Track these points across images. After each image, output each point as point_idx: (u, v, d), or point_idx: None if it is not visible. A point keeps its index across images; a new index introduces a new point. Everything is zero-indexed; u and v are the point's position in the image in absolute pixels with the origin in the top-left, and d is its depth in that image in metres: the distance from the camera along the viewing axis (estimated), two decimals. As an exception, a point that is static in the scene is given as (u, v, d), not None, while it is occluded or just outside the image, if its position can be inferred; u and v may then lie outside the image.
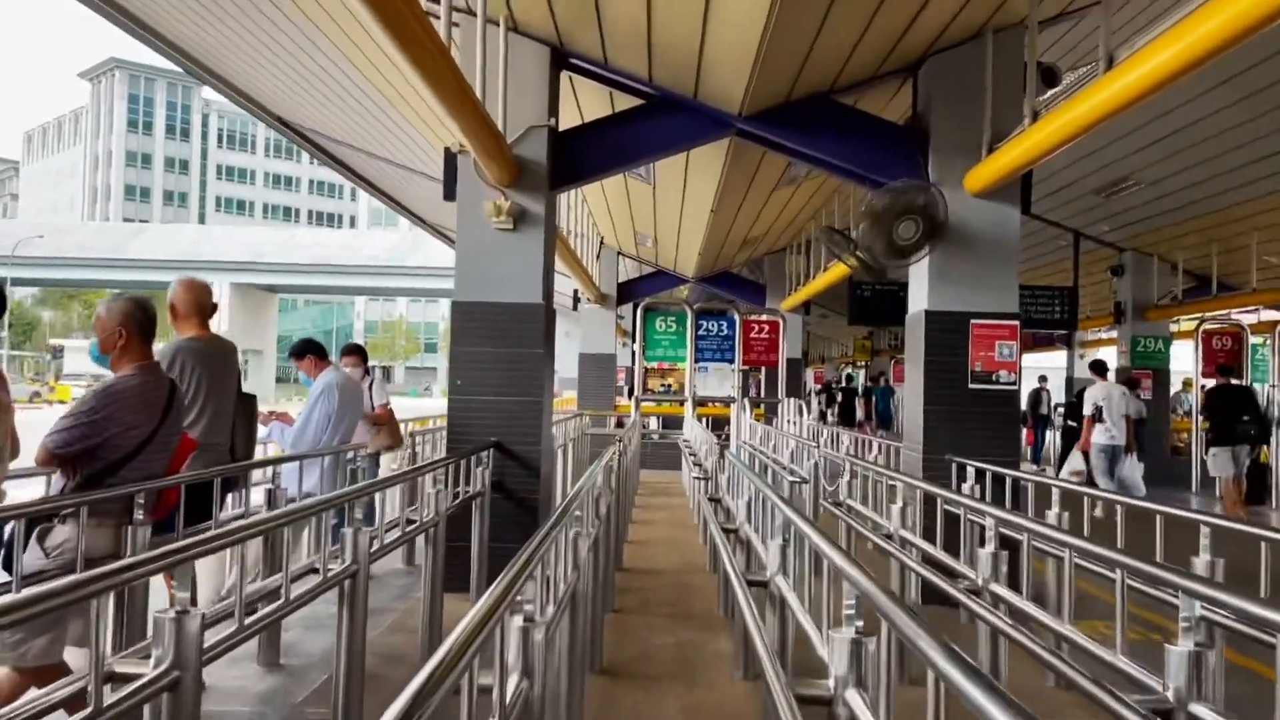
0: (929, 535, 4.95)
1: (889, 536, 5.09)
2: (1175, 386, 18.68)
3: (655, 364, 16.06)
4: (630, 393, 16.87)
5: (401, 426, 8.52)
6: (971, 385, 6.88)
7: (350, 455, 6.60)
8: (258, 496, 5.21)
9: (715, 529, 5.16)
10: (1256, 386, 15.23)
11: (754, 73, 6.37)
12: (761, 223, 13.65)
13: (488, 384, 6.95)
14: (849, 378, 43.79)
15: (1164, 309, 16.47)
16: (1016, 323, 6.90)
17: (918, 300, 7.19)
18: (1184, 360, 17.78)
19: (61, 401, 44.77)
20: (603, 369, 18.00)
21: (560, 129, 7.24)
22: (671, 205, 11.79)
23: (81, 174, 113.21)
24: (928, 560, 4.91)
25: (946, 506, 4.71)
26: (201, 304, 4.68)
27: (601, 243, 17.61)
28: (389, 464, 8.26)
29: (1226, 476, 11.54)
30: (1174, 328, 17.78)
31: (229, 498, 4.93)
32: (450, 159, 7.11)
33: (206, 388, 4.55)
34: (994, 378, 6.88)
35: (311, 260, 57.77)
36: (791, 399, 15.92)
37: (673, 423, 17.89)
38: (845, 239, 7.21)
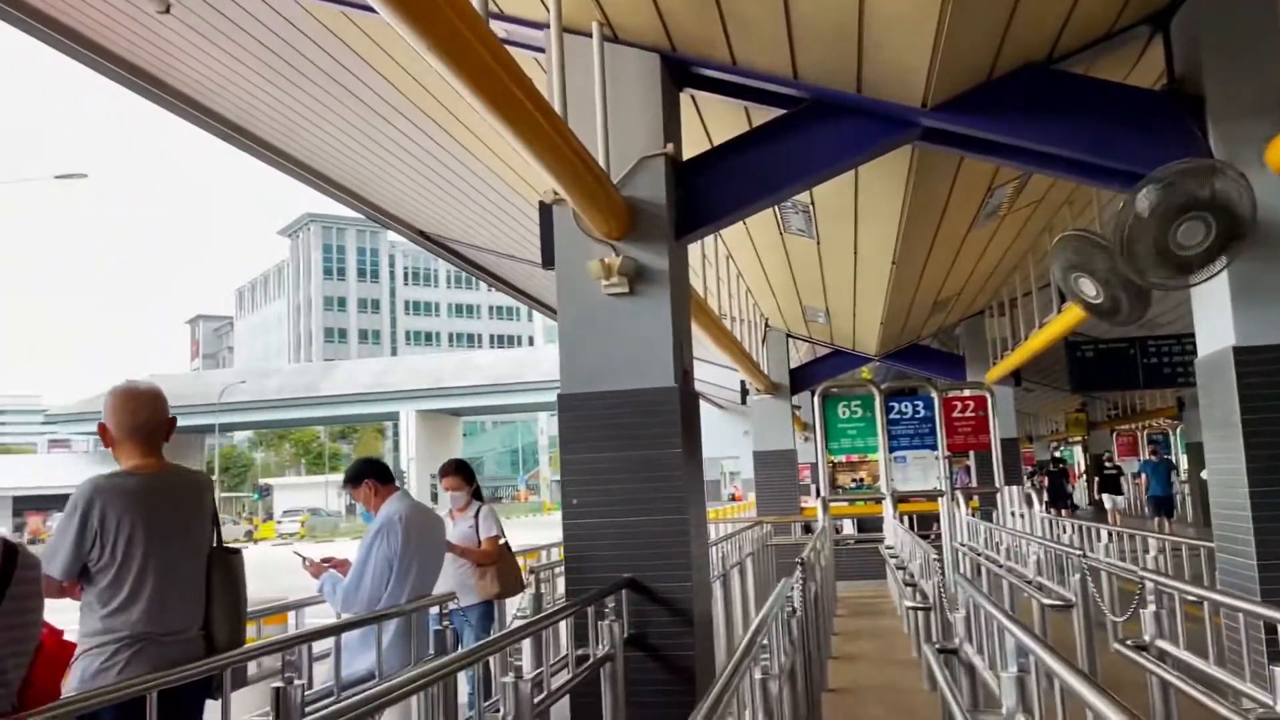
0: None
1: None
2: None
3: (842, 457, 13.91)
4: (817, 492, 14.71)
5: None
6: (1325, 452, 4.55)
7: (440, 611, 4.93)
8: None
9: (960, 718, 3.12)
10: None
11: (939, 41, 4.52)
12: (955, 278, 11.47)
13: (612, 500, 5.17)
14: (1058, 459, 39.31)
15: None
16: (1387, 351, 4.56)
17: (1214, 334, 4.96)
18: None
19: (266, 539, 46.35)
20: (782, 468, 15.91)
21: (684, 159, 5.57)
22: (842, 263, 9.87)
23: (286, 322, 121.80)
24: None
25: None
26: (139, 422, 3.14)
27: (767, 325, 15.77)
28: (515, 611, 6.56)
29: None
30: None
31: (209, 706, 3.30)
32: (545, 213, 5.54)
33: (143, 548, 2.97)
34: (1362, 437, 4.53)
35: (488, 381, 58.49)
36: (1013, 487, 13.36)
37: (870, 523, 15.57)
38: (1099, 248, 5.09)
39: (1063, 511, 20.93)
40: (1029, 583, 7.12)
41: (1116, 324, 5.70)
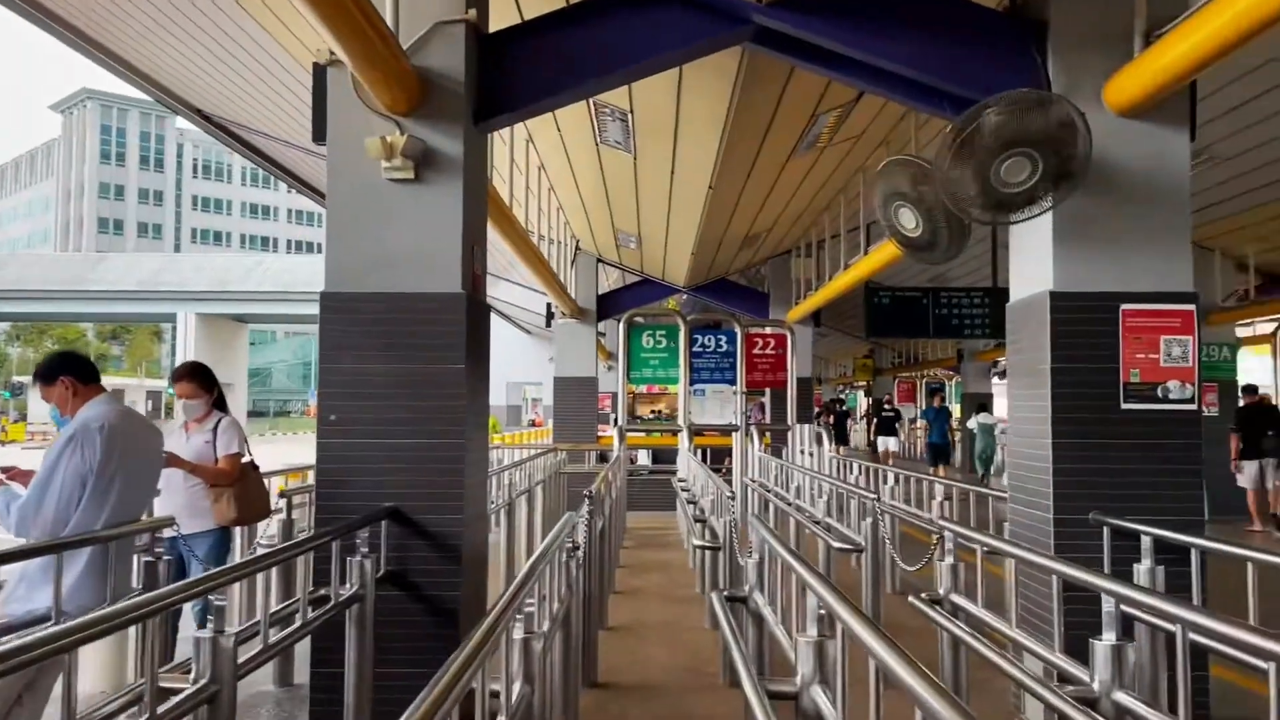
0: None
1: (1088, 703, 2.61)
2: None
3: (643, 387, 13.66)
4: (616, 422, 14.44)
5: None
6: (1126, 404, 4.45)
7: (151, 539, 4.13)
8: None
9: (750, 688, 2.71)
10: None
11: (781, -76, 3.99)
12: (769, 211, 11.24)
13: (379, 419, 4.49)
14: (841, 401, 41.04)
15: (1231, 311, 14.11)
16: (1192, 307, 4.49)
17: (1031, 277, 4.78)
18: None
19: (15, 441, 41.90)
20: (582, 395, 15.51)
21: (489, 30, 4.84)
22: (658, 183, 9.38)
23: (54, 207, 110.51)
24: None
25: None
26: None
27: (578, 247, 15.20)
28: (260, 540, 5.79)
29: (1253, 489, 12.26)
30: (1244, 332, 15.51)
31: None
32: (319, 76, 4.70)
33: None
34: (1160, 392, 4.46)
35: (281, 287, 54.98)
36: (804, 425, 13.52)
37: (664, 454, 15.50)
38: (925, 177, 4.78)
39: (840, 450, 21.64)
40: (817, 523, 6.98)
41: (931, 261, 5.48)
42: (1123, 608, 2.61)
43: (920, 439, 30.49)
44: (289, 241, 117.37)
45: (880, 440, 23.03)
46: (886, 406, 24.53)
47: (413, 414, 4.50)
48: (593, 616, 5.55)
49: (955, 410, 26.55)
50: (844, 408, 37.23)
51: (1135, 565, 4.05)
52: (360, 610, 4.03)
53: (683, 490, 9.73)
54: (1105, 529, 4.30)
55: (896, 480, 7.87)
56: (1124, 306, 4.46)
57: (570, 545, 4.38)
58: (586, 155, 9.05)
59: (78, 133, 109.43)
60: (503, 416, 44.66)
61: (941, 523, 4.10)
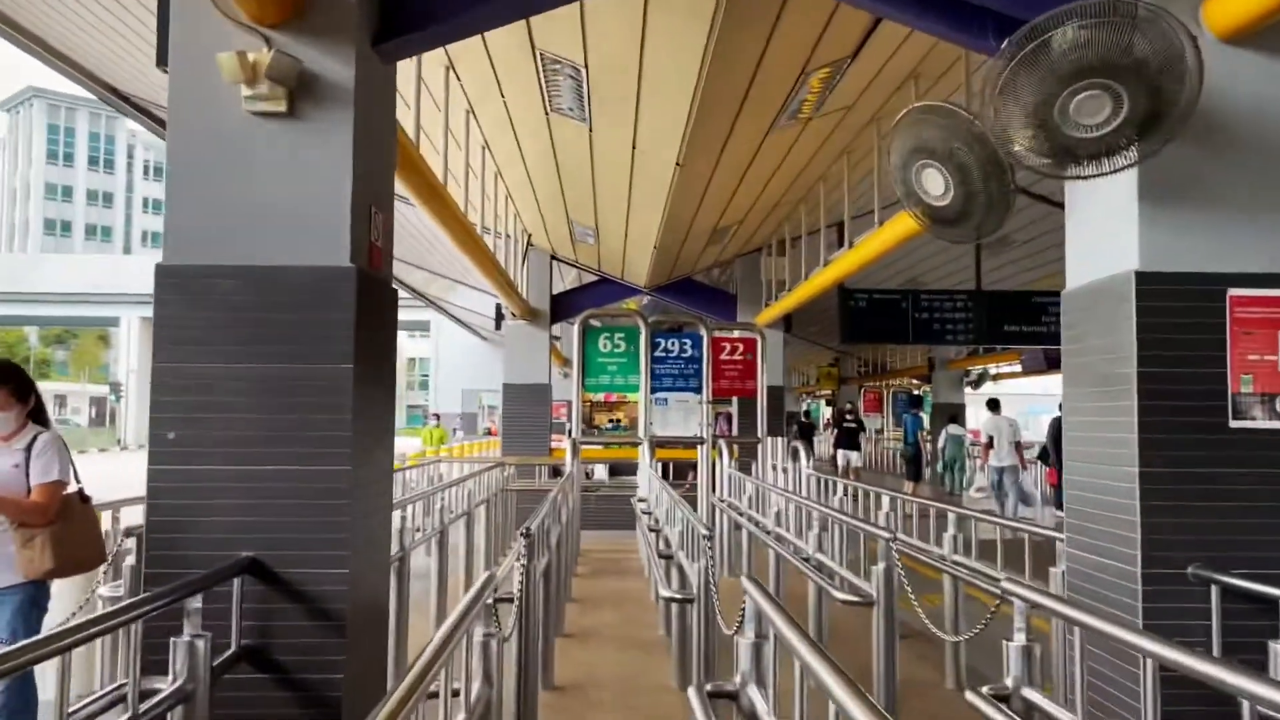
0: None
1: None
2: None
3: (600, 395, 12.48)
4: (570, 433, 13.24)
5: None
6: (1235, 421, 3.37)
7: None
8: None
9: None
10: None
11: None
12: (741, 199, 10.12)
13: (232, 438, 3.29)
14: (807, 413, 39.64)
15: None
16: (1321, 294, 3.42)
17: (1099, 256, 3.69)
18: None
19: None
20: (534, 403, 14.30)
21: (391, -76, 3.67)
22: (619, 162, 8.19)
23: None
24: None
25: None
26: None
27: (529, 242, 13.99)
28: (88, 593, 4.52)
29: None
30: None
31: None
32: (160, -24, 3.51)
33: None
34: None
35: (230, 291, 52.99)
36: (776, 438, 12.42)
37: (622, 466, 14.33)
38: (962, 126, 3.67)
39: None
40: (806, 560, 5.86)
41: (959, 238, 4.39)
42: None
43: (887, 450, 29.43)
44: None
45: (841, 454, 20.99)
46: (848, 417, 22.29)
47: (282, 431, 3.30)
48: (531, 679, 4.37)
49: (925, 421, 25.39)
50: (808, 419, 35.92)
51: (1271, 644, 2.96)
52: (187, 714, 2.82)
53: (644, 513, 8.56)
54: (1214, 588, 3.21)
55: (892, 506, 6.78)
56: (1232, 292, 3.38)
57: (493, 600, 3.22)
58: (536, 128, 7.86)
59: (24, 132, 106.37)
60: (457, 425, 43.15)
61: (1007, 586, 2.98)
